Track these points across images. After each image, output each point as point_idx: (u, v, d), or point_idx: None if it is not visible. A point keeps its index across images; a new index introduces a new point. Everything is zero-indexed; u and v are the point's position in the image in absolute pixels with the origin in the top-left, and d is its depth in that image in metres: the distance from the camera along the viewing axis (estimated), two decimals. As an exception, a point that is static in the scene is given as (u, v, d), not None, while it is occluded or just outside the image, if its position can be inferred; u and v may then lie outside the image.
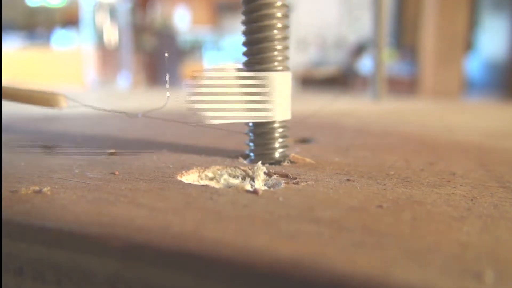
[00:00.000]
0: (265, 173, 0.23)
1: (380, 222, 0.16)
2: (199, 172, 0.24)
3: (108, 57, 3.22)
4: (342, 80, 3.10)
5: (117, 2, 3.24)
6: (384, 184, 0.21)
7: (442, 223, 0.16)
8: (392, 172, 0.24)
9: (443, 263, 0.13)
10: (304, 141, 0.34)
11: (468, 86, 2.13)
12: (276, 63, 0.25)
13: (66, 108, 0.26)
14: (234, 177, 0.24)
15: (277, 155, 0.26)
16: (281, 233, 0.15)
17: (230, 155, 0.27)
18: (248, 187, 0.20)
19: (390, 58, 2.49)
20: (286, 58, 0.25)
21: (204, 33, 4.18)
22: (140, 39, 3.42)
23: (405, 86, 2.09)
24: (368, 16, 2.33)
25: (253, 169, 0.23)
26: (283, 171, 0.23)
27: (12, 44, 3.12)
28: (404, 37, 3.00)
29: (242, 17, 0.25)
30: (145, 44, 3.45)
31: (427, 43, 1.59)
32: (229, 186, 0.22)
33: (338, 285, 0.12)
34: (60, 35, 3.45)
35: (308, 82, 3.14)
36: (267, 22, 0.24)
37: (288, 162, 0.26)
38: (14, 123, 0.43)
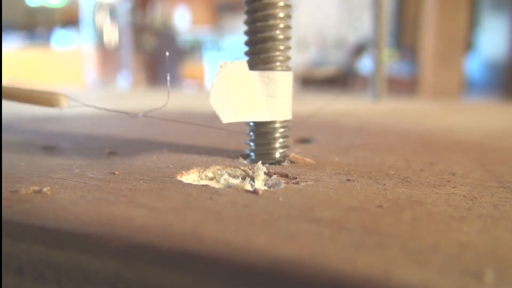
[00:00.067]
0: (265, 173, 0.23)
1: (380, 222, 0.16)
2: (199, 172, 0.24)
3: (108, 57, 3.22)
4: (342, 80, 3.10)
5: (117, 2, 3.24)
6: (384, 184, 0.21)
7: (442, 223, 0.16)
8: (392, 172, 0.24)
9: (443, 263, 0.13)
10: (304, 141, 0.34)
11: (468, 86, 2.13)
12: (278, 63, 0.25)
13: (67, 108, 0.26)
14: (234, 177, 0.24)
15: (277, 155, 0.26)
16: (281, 233, 0.15)
17: (230, 155, 0.27)
18: (248, 187, 0.20)
19: (390, 58, 2.49)
20: (288, 58, 0.25)
21: (204, 33, 4.18)
22: (140, 39, 3.42)
23: (405, 86, 2.09)
24: (368, 16, 2.33)
25: (253, 169, 0.23)
26: (283, 171, 0.23)
27: (12, 44, 3.12)
28: (404, 37, 3.00)
29: (244, 17, 0.25)
30: (145, 44, 3.45)
31: (427, 43, 1.59)
32: (229, 186, 0.22)
33: (338, 285, 0.12)
34: (60, 35, 3.45)
35: (308, 82, 3.14)
36: (270, 22, 0.24)
37: (288, 162, 0.26)
38: (14, 123, 0.43)
